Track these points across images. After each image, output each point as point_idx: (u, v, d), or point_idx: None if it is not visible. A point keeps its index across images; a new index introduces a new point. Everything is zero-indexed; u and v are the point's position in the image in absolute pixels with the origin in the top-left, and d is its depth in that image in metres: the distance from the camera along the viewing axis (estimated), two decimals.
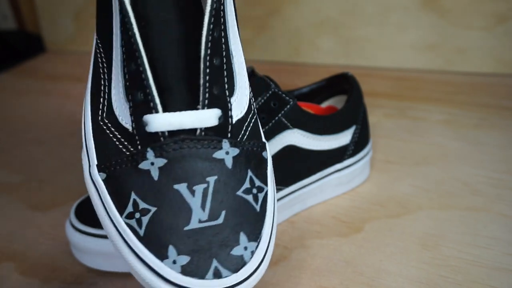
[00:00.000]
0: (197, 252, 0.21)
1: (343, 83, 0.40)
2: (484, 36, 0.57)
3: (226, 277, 0.20)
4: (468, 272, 0.29)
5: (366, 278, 0.29)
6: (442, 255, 0.31)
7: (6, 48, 0.83)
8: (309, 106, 0.39)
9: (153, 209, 0.21)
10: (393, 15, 0.60)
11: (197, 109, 0.22)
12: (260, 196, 0.23)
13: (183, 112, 0.22)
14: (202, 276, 0.20)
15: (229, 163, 0.23)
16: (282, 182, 0.34)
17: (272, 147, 0.33)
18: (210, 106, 0.23)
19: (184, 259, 0.20)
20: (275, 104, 0.33)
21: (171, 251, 0.20)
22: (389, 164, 0.41)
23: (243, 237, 0.22)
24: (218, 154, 0.23)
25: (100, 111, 0.25)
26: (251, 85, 0.34)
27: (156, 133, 0.22)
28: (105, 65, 0.25)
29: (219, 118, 0.23)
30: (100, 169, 0.23)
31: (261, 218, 0.23)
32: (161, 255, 0.20)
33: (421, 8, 0.58)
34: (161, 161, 0.22)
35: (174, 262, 0.20)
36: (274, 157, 0.33)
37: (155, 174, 0.22)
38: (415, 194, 0.37)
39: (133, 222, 0.21)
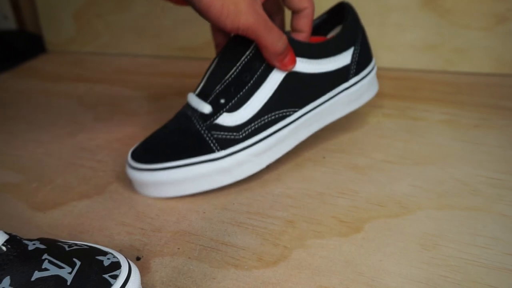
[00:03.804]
0: None
1: (342, 12, 0.42)
2: (484, 36, 0.57)
3: None
4: (467, 272, 0.29)
5: (366, 278, 0.29)
6: (442, 255, 0.31)
7: (7, 48, 0.83)
8: (316, 39, 0.41)
9: None
10: (393, 15, 0.60)
11: None
12: None
13: None
14: None
15: None
16: (295, 105, 0.38)
17: (274, 79, 0.36)
18: None
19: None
20: None
21: None
22: (389, 164, 0.41)
23: None
24: None
25: None
26: (236, 41, 0.37)
27: None
28: None
29: None
30: None
31: None
32: None
33: (421, 8, 0.58)
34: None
35: None
36: (280, 86, 0.36)
37: None
38: (415, 194, 0.37)
39: None
